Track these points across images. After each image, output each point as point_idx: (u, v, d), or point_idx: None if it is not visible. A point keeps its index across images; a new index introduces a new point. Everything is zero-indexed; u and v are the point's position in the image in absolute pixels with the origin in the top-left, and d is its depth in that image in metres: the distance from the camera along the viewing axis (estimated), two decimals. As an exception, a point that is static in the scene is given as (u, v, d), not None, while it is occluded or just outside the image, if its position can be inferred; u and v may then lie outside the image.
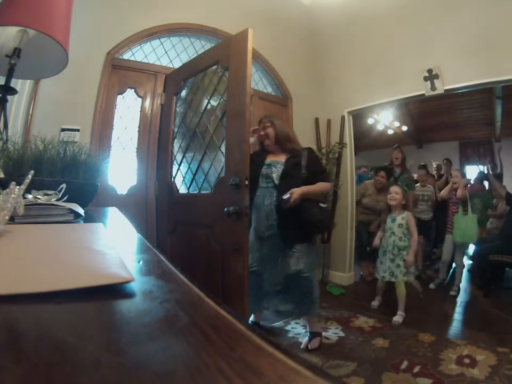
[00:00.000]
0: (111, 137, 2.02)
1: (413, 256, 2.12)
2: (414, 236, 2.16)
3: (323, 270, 2.93)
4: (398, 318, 2.06)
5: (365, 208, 3.07)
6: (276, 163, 1.69)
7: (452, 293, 2.52)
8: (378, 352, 1.65)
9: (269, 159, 1.73)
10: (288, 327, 1.97)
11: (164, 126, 2.11)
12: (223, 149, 1.64)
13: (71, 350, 0.16)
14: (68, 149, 0.93)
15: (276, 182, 1.64)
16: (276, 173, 1.66)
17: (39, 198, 0.64)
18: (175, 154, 2.04)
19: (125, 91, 2.09)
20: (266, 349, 0.17)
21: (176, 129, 2.05)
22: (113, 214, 1.05)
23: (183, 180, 1.96)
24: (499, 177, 3.81)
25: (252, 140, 1.72)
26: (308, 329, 1.76)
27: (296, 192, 1.54)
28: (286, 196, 1.53)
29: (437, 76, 2.37)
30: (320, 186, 1.67)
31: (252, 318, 1.93)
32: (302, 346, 1.69)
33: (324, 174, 1.80)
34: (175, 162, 2.03)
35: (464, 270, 2.91)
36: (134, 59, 2.13)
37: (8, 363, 0.14)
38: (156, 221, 2.08)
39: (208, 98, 1.83)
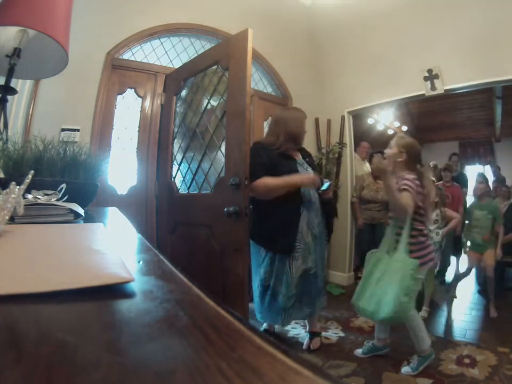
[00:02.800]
0: (111, 137, 2.02)
1: (450, 229, 2.20)
2: (457, 217, 2.22)
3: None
4: (424, 313, 2.10)
5: (365, 202, 2.82)
6: (302, 161, 1.71)
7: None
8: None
9: (295, 157, 1.69)
10: (288, 327, 1.96)
11: (164, 126, 2.11)
12: (223, 149, 1.64)
13: (71, 350, 0.16)
14: (67, 149, 0.93)
15: None
16: (310, 170, 1.69)
17: (39, 198, 0.64)
18: (175, 154, 2.04)
19: (125, 91, 2.09)
20: (266, 349, 0.17)
21: (176, 129, 2.05)
22: (113, 214, 1.05)
23: (183, 180, 1.96)
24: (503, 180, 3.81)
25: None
26: (307, 329, 1.76)
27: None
28: (326, 183, 1.60)
29: (437, 76, 2.37)
30: None
31: (264, 326, 1.85)
32: (304, 347, 1.69)
33: None
34: (175, 162, 2.03)
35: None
36: (134, 59, 2.13)
37: (8, 363, 0.14)
38: (155, 221, 2.08)
39: (208, 98, 1.83)
